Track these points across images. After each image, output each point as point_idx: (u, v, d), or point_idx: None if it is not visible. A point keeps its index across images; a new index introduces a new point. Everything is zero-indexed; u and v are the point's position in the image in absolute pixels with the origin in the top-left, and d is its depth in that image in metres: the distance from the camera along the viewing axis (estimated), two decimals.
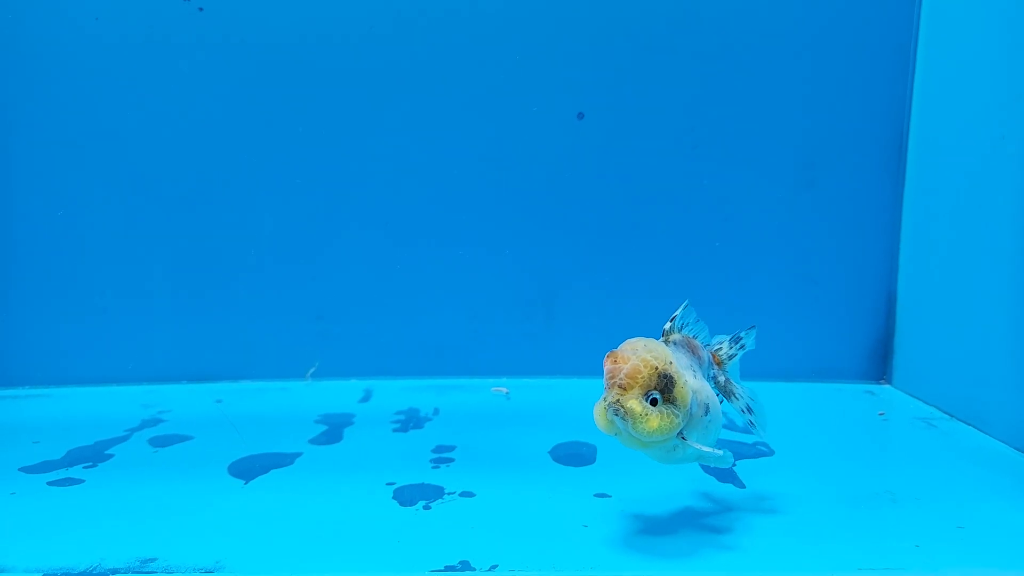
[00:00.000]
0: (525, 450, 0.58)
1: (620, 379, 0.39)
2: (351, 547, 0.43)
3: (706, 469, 0.53)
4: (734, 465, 0.55)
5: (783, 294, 0.77)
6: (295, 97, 0.74)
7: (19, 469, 0.54)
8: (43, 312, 0.75)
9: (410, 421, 0.65)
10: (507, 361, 0.77)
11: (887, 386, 0.77)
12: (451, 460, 0.56)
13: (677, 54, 0.74)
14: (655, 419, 0.39)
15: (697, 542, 0.43)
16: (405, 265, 0.76)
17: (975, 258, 0.65)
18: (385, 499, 0.49)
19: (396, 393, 0.73)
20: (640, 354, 0.39)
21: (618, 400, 0.39)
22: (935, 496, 0.50)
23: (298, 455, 0.57)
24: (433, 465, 0.55)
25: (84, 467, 0.55)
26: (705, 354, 0.46)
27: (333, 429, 0.63)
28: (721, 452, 0.42)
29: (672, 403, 0.39)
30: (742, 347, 0.48)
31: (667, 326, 0.44)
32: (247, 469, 0.54)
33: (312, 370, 0.76)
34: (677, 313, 0.44)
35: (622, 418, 0.39)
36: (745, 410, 0.47)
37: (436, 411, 0.68)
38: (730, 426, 0.62)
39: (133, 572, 0.40)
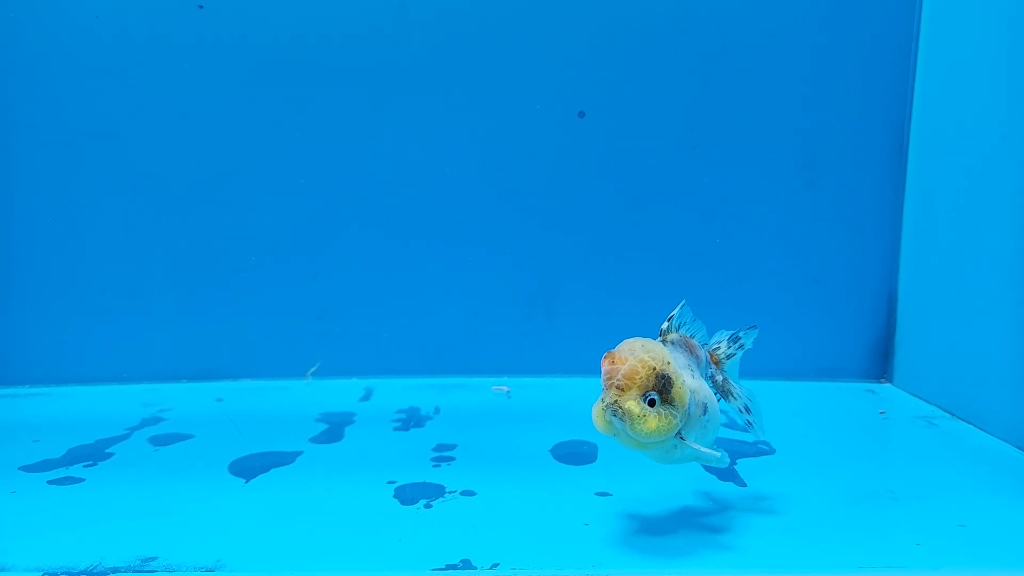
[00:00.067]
0: (526, 449, 0.58)
1: (618, 380, 0.39)
2: (352, 546, 0.43)
3: (707, 468, 0.53)
4: (734, 464, 0.55)
5: (784, 293, 0.77)
6: (295, 96, 0.74)
7: (19, 468, 0.54)
8: (43, 311, 0.75)
9: (411, 420, 0.65)
10: (508, 360, 0.77)
11: (888, 385, 0.77)
12: (452, 459, 0.56)
13: (678, 53, 0.74)
14: (653, 420, 0.39)
15: (698, 541, 0.43)
16: (406, 264, 0.76)
17: (976, 257, 0.65)
18: (386, 498, 0.49)
19: (397, 392, 0.73)
20: (638, 355, 0.39)
21: (616, 401, 0.39)
22: (936, 495, 0.50)
23: (299, 454, 0.57)
24: (434, 464, 0.55)
25: (84, 466, 0.55)
26: (703, 353, 0.46)
27: (334, 428, 0.63)
28: (719, 453, 0.42)
29: (670, 403, 0.39)
30: (741, 347, 0.48)
31: (664, 326, 0.44)
32: (248, 468, 0.54)
33: (313, 369, 0.76)
34: (674, 313, 0.44)
35: (620, 419, 0.39)
36: (743, 410, 0.47)
37: (437, 410, 0.68)
38: (731, 425, 0.62)
39: (133, 571, 0.40)
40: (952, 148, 0.69)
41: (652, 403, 0.39)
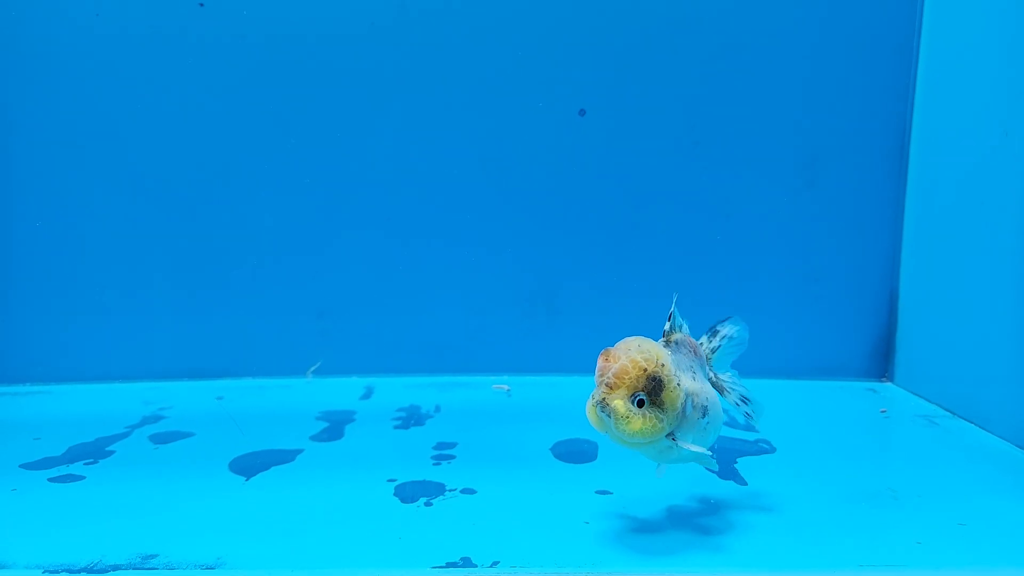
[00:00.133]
0: (526, 447, 0.58)
1: (608, 378, 0.39)
2: (352, 544, 0.43)
3: (708, 468, 0.53)
4: (734, 463, 0.54)
5: (785, 292, 0.77)
6: (295, 96, 0.74)
7: (20, 466, 0.54)
8: (44, 309, 0.75)
9: (411, 418, 0.65)
10: (508, 358, 0.77)
11: (889, 384, 0.77)
12: (452, 457, 0.56)
13: (678, 53, 0.74)
14: (637, 421, 0.39)
15: (698, 539, 0.43)
16: (406, 262, 0.76)
17: (977, 256, 0.65)
18: (386, 496, 0.49)
19: (397, 390, 0.73)
20: (631, 354, 0.39)
21: (604, 399, 0.39)
22: (937, 493, 0.50)
23: (299, 452, 0.57)
24: (434, 462, 0.55)
25: (85, 464, 0.55)
26: (703, 352, 0.46)
27: (334, 426, 0.63)
28: (710, 453, 0.42)
29: (659, 406, 0.39)
30: (725, 337, 0.47)
31: (667, 326, 0.44)
32: (248, 466, 0.54)
33: (314, 367, 0.76)
34: (673, 311, 0.44)
35: (607, 416, 0.39)
36: (740, 402, 0.47)
37: (437, 408, 0.68)
38: (731, 423, 0.62)
39: (134, 568, 0.40)
40: (953, 146, 0.69)
41: (641, 404, 0.39)
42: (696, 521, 0.46)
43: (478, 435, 0.61)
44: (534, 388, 0.74)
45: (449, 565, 0.40)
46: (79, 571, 0.40)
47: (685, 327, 0.45)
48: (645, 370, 0.39)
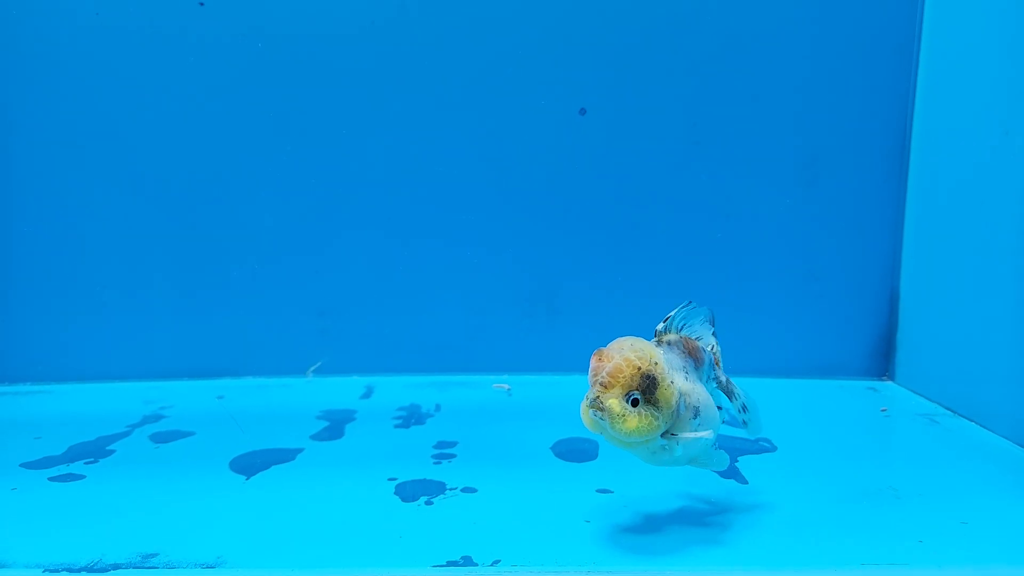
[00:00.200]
0: (527, 446, 0.58)
1: (602, 377, 0.39)
2: (353, 543, 0.43)
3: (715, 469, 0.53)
4: (735, 462, 0.54)
5: (785, 291, 0.77)
6: (295, 95, 0.74)
7: (20, 465, 0.54)
8: (45, 309, 0.75)
9: (412, 417, 0.65)
10: (508, 357, 0.77)
11: (890, 382, 0.77)
12: (453, 456, 0.56)
13: (678, 52, 0.74)
14: (633, 420, 0.39)
15: (699, 538, 0.43)
16: (407, 262, 0.76)
17: (978, 255, 0.65)
18: (387, 495, 0.49)
19: (398, 389, 0.73)
20: (624, 353, 0.39)
21: (598, 398, 0.39)
22: (938, 492, 0.50)
23: (300, 451, 0.57)
24: (435, 461, 0.55)
25: (85, 463, 0.55)
26: (707, 356, 0.46)
27: (335, 425, 0.63)
28: (710, 435, 0.41)
29: (654, 404, 0.39)
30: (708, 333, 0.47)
31: (660, 327, 0.44)
32: (248, 465, 0.54)
33: (315, 367, 0.76)
34: (672, 313, 0.44)
35: (602, 416, 0.39)
36: (741, 409, 0.47)
37: (438, 407, 0.68)
38: (731, 423, 0.62)
39: (134, 567, 0.40)
40: (954, 145, 0.69)
41: (635, 403, 0.39)
42: (698, 519, 0.46)
43: (478, 434, 0.61)
44: (534, 387, 0.74)
45: (450, 564, 0.40)
46: (79, 570, 0.40)
47: (709, 332, 0.45)
48: (639, 368, 0.39)
